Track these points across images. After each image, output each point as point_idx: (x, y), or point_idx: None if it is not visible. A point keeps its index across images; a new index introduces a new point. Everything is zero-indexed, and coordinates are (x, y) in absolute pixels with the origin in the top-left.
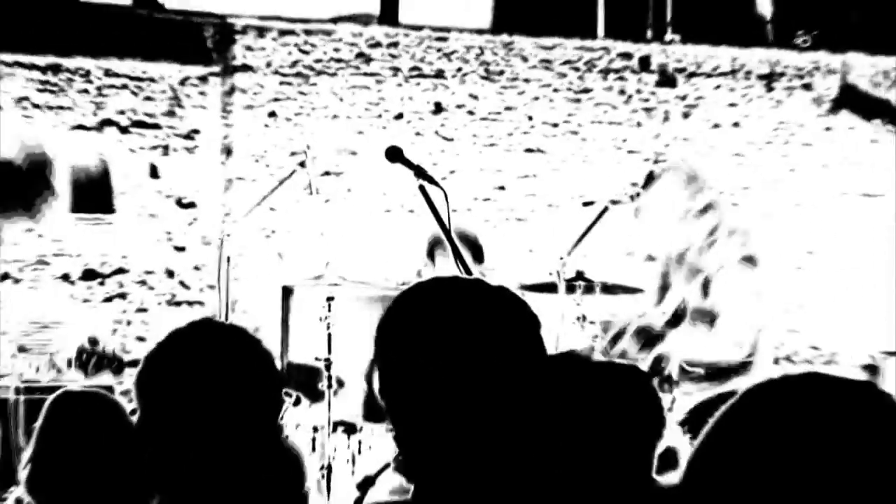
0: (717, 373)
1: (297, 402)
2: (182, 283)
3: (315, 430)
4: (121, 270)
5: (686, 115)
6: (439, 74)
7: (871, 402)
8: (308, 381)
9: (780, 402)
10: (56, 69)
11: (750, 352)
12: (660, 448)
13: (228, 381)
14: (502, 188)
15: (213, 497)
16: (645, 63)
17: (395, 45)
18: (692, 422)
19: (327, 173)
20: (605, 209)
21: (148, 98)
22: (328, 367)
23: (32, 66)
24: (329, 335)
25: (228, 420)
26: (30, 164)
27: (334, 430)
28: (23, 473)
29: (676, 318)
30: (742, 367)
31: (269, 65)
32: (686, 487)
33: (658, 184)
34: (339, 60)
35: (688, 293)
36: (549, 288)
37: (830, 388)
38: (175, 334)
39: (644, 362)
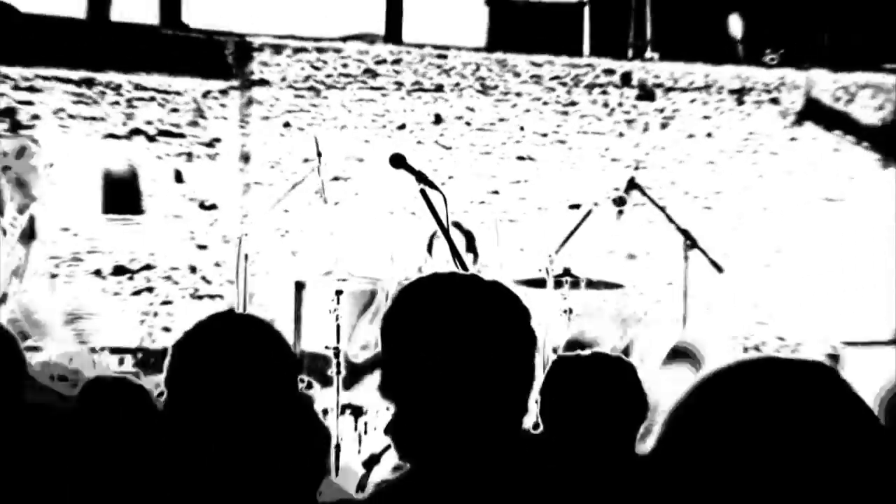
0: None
1: (308, 387)
2: (204, 279)
3: (325, 412)
4: (148, 266)
5: (664, 126)
6: (439, 88)
7: (820, 377)
8: (318, 368)
9: (738, 382)
10: (90, 83)
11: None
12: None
13: (249, 364)
14: (496, 192)
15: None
16: (626, 79)
17: (398, 61)
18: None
19: (336, 178)
20: (590, 212)
21: (173, 109)
22: (336, 355)
23: (68, 81)
24: (338, 326)
25: (250, 400)
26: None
27: (342, 412)
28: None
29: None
30: None
31: (283, 79)
32: (657, 457)
33: None
34: (347, 75)
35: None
36: (539, 283)
37: (783, 368)
38: (200, 325)
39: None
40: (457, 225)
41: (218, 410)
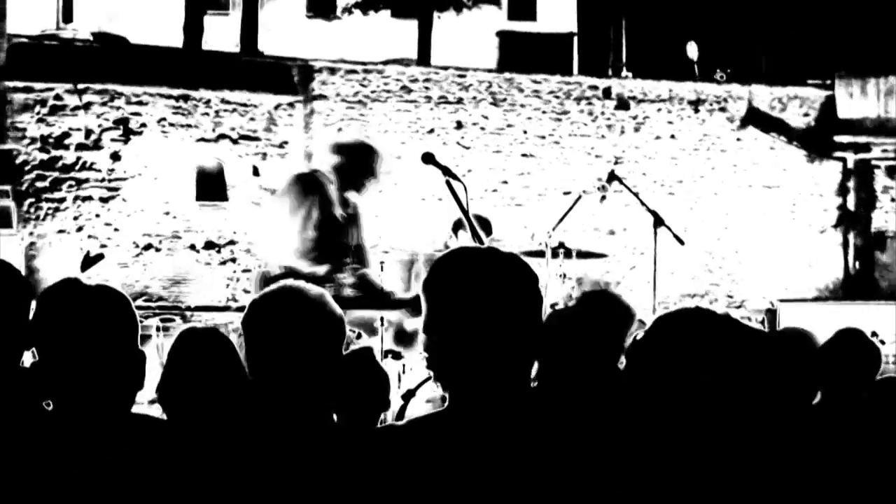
0: None
1: (358, 336)
2: None
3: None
4: (232, 242)
5: (636, 130)
6: (460, 101)
7: (724, 323)
8: (366, 321)
9: (675, 324)
10: (186, 98)
11: None
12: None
13: (305, 323)
14: (505, 182)
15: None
16: (607, 93)
17: (428, 80)
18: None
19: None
20: (579, 197)
21: (251, 119)
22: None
23: (169, 97)
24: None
25: (307, 349)
26: (360, 152)
27: (385, 356)
28: (157, 387)
29: None
30: None
31: (338, 94)
32: (626, 373)
33: None
34: (388, 91)
35: None
36: (540, 254)
37: (704, 316)
38: (270, 291)
39: None
40: (476, 217)
41: (283, 359)
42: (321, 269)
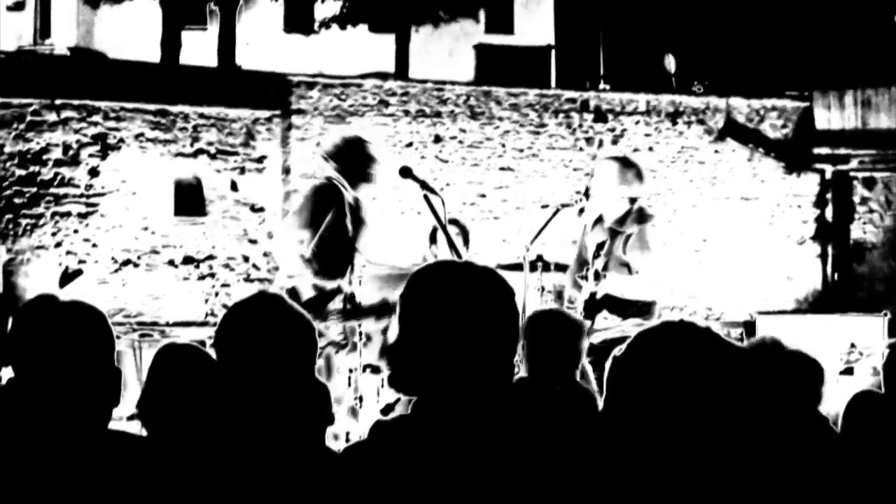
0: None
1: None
2: (254, 266)
3: (351, 371)
4: (210, 257)
5: (614, 142)
6: (437, 115)
7: (708, 336)
8: (345, 337)
9: (657, 339)
10: (164, 113)
11: (655, 298)
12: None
13: (278, 335)
14: (483, 196)
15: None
16: (585, 105)
17: (405, 94)
18: (596, 353)
19: None
20: (557, 210)
21: (230, 133)
22: (360, 325)
23: (147, 112)
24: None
25: (279, 363)
26: (354, 147)
27: (364, 370)
28: (137, 406)
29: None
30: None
31: (316, 108)
32: (608, 388)
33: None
34: (366, 105)
35: (613, 248)
36: (518, 267)
37: (688, 329)
38: (239, 303)
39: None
40: (455, 221)
41: (255, 369)
42: (330, 284)
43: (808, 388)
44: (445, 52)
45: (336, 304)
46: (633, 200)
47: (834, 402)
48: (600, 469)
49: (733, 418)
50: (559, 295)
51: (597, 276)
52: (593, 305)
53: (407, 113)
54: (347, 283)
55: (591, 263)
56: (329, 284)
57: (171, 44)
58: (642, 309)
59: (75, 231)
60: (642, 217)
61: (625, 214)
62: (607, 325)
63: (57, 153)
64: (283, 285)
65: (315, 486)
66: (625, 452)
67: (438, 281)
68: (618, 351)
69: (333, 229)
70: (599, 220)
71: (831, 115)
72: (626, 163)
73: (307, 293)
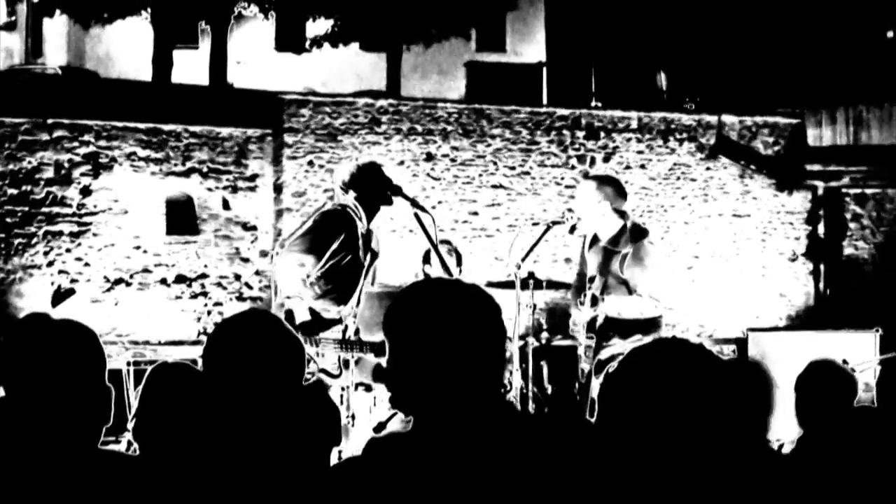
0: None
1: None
2: (247, 284)
3: (343, 389)
4: (203, 276)
5: (606, 160)
6: (429, 132)
7: (699, 353)
8: (339, 368)
9: (649, 356)
10: (155, 132)
11: (660, 313)
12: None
13: (267, 352)
14: (475, 213)
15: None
16: (577, 123)
17: (398, 112)
18: (598, 367)
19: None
20: (548, 228)
21: (221, 152)
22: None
23: (138, 130)
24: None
25: (268, 379)
26: (375, 172)
27: (356, 388)
28: (130, 424)
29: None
30: (653, 324)
31: (307, 127)
32: (600, 405)
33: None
34: (357, 123)
35: (611, 267)
36: (509, 285)
37: (679, 347)
38: (226, 321)
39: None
40: (447, 242)
41: (242, 387)
42: (331, 310)
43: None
44: (437, 70)
45: (335, 332)
46: (624, 216)
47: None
48: (591, 483)
49: (724, 433)
50: (551, 313)
51: (594, 301)
52: (595, 328)
53: (398, 131)
54: (351, 315)
55: (588, 288)
56: (330, 310)
57: (162, 62)
58: (646, 326)
59: (67, 250)
60: (636, 234)
61: (619, 233)
62: (613, 343)
63: (49, 172)
64: (282, 303)
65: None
66: (616, 467)
67: (425, 298)
68: (611, 367)
69: (341, 256)
70: (595, 240)
71: (823, 132)
72: (602, 180)
73: (302, 316)
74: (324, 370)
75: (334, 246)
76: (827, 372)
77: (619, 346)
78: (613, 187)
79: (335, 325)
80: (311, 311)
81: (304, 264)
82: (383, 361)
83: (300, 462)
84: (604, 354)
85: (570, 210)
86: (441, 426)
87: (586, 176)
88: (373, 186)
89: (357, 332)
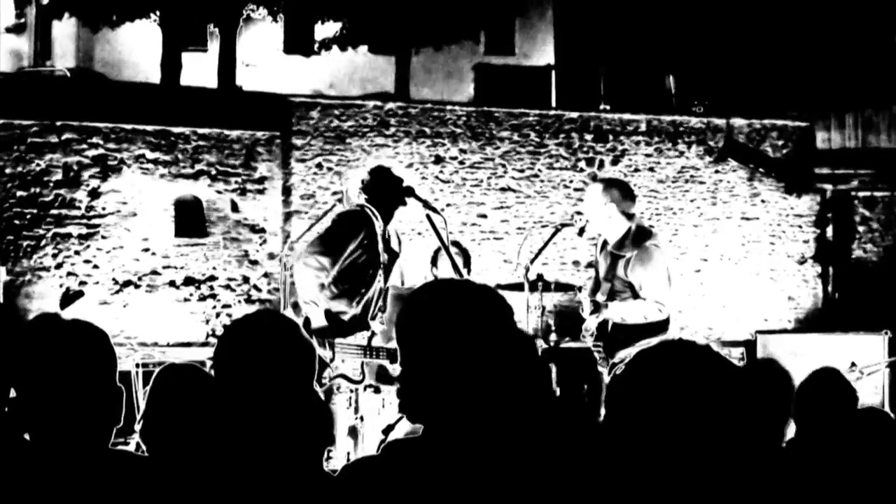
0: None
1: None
2: (255, 287)
3: (353, 391)
4: (212, 278)
5: (615, 162)
6: (438, 135)
7: (706, 355)
8: (362, 374)
9: (655, 358)
10: (164, 134)
11: (667, 316)
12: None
13: (276, 353)
14: (484, 216)
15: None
16: (585, 125)
17: (406, 114)
18: (610, 370)
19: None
20: (557, 231)
21: (230, 154)
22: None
23: (147, 133)
24: None
25: (278, 380)
26: (386, 175)
27: (365, 390)
28: (138, 426)
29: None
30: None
31: (316, 129)
32: (608, 406)
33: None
34: (366, 126)
35: (616, 272)
36: (518, 287)
37: (686, 348)
38: (238, 322)
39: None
40: (456, 244)
41: (253, 388)
42: (347, 311)
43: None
44: (445, 73)
45: (359, 339)
46: (631, 218)
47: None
48: (602, 488)
49: (732, 435)
50: (560, 315)
51: (596, 308)
52: (605, 334)
53: (407, 134)
54: (378, 322)
55: (587, 296)
56: (346, 311)
57: (171, 65)
58: (653, 330)
59: (76, 252)
60: (640, 237)
61: (623, 236)
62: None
63: (57, 175)
64: (295, 302)
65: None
66: (624, 469)
67: (436, 299)
68: (618, 369)
69: (358, 255)
70: (605, 244)
71: (832, 135)
72: (609, 183)
73: (318, 321)
74: (343, 375)
75: (352, 246)
76: (827, 380)
77: (629, 350)
78: (620, 190)
79: (360, 331)
80: (329, 316)
81: (322, 266)
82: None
83: (300, 462)
84: (616, 359)
85: (578, 213)
86: (452, 433)
87: (594, 179)
88: (386, 189)
89: (371, 336)
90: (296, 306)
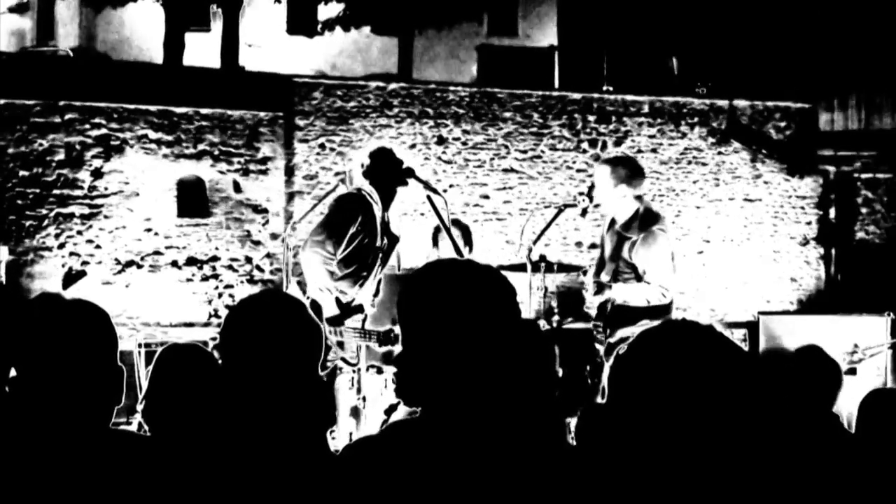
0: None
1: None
2: (258, 267)
3: (354, 371)
4: (214, 258)
5: (618, 144)
6: (441, 116)
7: (709, 335)
8: (357, 357)
9: (658, 338)
10: (167, 114)
11: (668, 302)
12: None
13: (283, 333)
14: (487, 197)
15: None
16: (588, 107)
17: (409, 95)
18: (609, 350)
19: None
20: (560, 211)
21: (233, 134)
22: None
23: (150, 113)
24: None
25: (284, 360)
26: (387, 156)
27: (367, 370)
28: (140, 405)
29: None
30: (663, 311)
31: (319, 110)
32: (610, 387)
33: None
34: (369, 107)
35: (622, 253)
36: (521, 268)
37: (689, 328)
38: (244, 301)
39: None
40: (456, 221)
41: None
42: (350, 291)
43: (823, 388)
44: (448, 53)
45: (355, 321)
46: (640, 200)
47: (841, 401)
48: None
49: (736, 416)
50: (562, 296)
51: (600, 289)
52: (605, 313)
53: (410, 114)
54: (370, 304)
55: (591, 277)
56: (348, 292)
57: (174, 45)
58: (655, 312)
59: (79, 232)
60: (647, 220)
61: (631, 218)
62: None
63: (60, 155)
64: (309, 295)
65: (315, 485)
66: (625, 452)
67: (438, 279)
68: (621, 349)
69: (360, 238)
70: (612, 223)
71: (835, 117)
72: (615, 161)
73: (330, 310)
74: (343, 358)
75: (352, 229)
76: (811, 358)
77: (629, 330)
78: (627, 168)
79: (358, 314)
80: (339, 304)
81: (330, 253)
82: (386, 350)
83: (303, 442)
84: (614, 338)
85: (581, 193)
86: (453, 414)
87: (598, 159)
88: (387, 170)
89: (364, 319)
90: (300, 285)
